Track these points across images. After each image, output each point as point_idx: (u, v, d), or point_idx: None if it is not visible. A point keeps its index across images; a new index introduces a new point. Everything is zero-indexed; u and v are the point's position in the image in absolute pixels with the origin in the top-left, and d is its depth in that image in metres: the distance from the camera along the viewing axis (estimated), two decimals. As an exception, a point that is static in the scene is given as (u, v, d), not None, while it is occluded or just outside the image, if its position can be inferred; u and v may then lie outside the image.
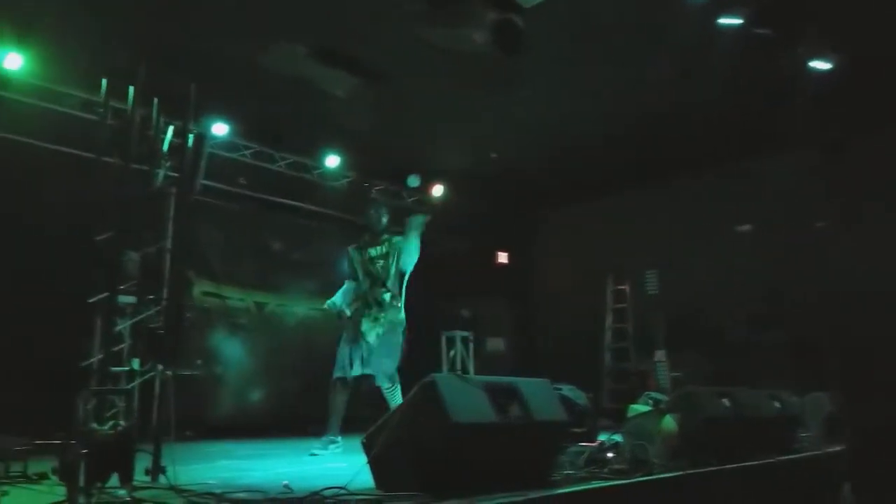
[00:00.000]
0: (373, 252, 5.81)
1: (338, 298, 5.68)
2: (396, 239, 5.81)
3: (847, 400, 5.73)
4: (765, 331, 8.49)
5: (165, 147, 4.45)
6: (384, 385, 5.47)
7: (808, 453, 4.62)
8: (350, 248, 5.94)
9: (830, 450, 4.72)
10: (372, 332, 5.56)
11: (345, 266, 5.94)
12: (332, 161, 9.30)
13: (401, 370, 5.56)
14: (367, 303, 5.68)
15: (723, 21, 6.17)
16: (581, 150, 9.06)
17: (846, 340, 7.72)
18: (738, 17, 6.13)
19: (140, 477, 3.02)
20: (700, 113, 8.03)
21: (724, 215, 9.27)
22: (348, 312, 5.63)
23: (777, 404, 4.76)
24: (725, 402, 4.30)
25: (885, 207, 7.85)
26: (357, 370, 5.47)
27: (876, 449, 4.61)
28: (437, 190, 10.48)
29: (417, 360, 9.38)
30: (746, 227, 9.28)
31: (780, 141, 8.38)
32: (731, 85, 7.36)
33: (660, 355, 9.33)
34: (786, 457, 4.37)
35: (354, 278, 5.79)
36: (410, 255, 5.68)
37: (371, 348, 5.51)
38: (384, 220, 5.93)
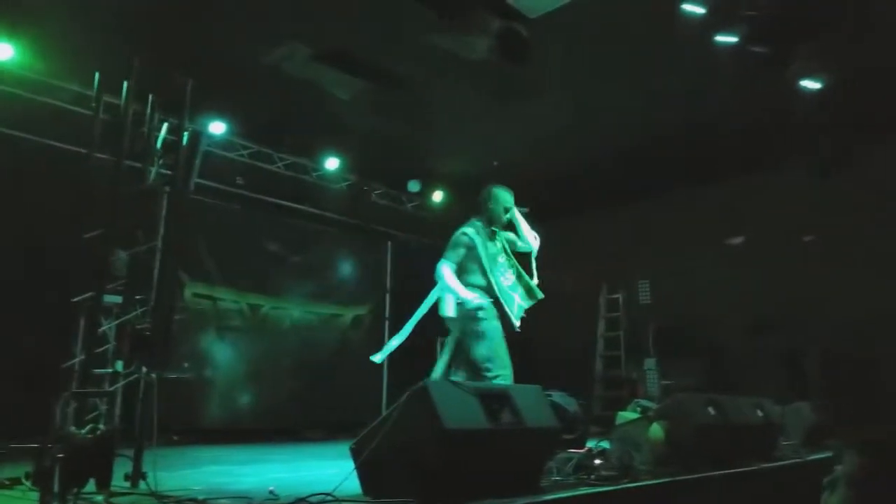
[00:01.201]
0: (493, 248, 4.93)
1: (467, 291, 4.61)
2: (503, 233, 5.05)
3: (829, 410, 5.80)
4: (753, 341, 8.53)
5: (159, 144, 4.38)
6: None
7: (790, 461, 4.66)
8: (471, 234, 4.85)
9: (811, 458, 4.75)
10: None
11: (459, 251, 4.78)
12: (332, 163, 9.23)
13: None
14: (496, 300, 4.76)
15: (719, 38, 6.14)
16: (577, 161, 9.06)
17: (829, 353, 7.82)
18: (733, 35, 6.10)
19: (120, 483, 2.94)
20: (697, 128, 8.05)
21: (717, 228, 9.37)
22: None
23: (760, 413, 4.83)
24: (711, 410, 4.34)
25: (876, 223, 7.95)
26: None
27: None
28: (438, 196, 10.43)
29: (411, 366, 9.38)
30: (738, 240, 9.34)
31: (774, 157, 8.48)
32: (728, 101, 7.38)
33: (650, 363, 9.46)
34: (768, 464, 4.42)
35: (480, 269, 4.77)
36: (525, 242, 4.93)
37: None
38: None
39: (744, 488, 3.95)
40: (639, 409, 4.59)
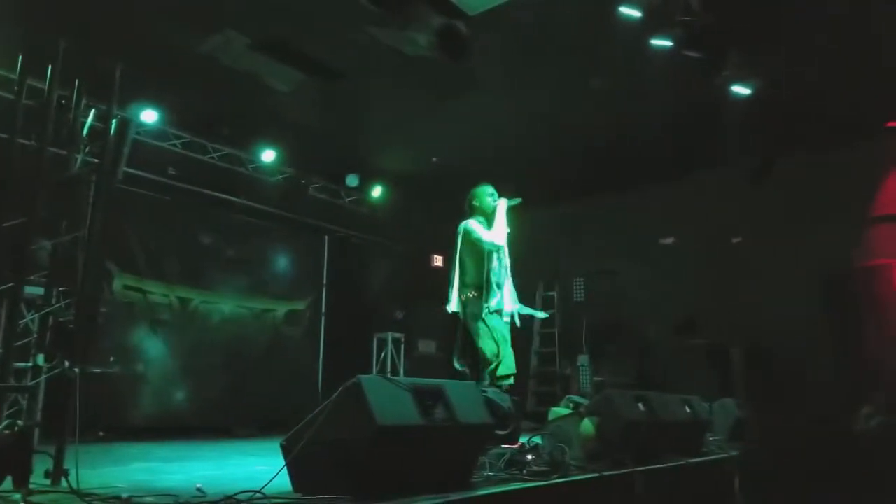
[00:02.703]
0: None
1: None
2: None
3: (751, 405, 6.04)
4: (682, 340, 8.80)
5: (86, 131, 4.22)
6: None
7: (715, 456, 4.80)
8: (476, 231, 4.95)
9: (735, 452, 4.90)
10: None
11: (463, 250, 4.98)
12: (268, 156, 9.08)
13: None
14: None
15: (654, 42, 6.29)
16: (513, 161, 9.16)
17: (753, 350, 8.15)
18: (668, 39, 6.25)
19: (40, 480, 2.84)
20: (631, 130, 8.24)
21: (649, 228, 9.68)
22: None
23: (688, 409, 4.94)
24: (641, 406, 4.42)
25: (800, 226, 8.31)
26: None
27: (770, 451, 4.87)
28: (377, 191, 10.39)
29: (347, 361, 9.35)
30: (669, 240, 9.63)
31: (705, 161, 8.79)
32: (659, 104, 7.56)
33: (583, 360, 9.68)
34: (694, 459, 4.52)
35: (489, 265, 4.89)
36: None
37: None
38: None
39: (670, 483, 4.05)
40: (571, 404, 4.66)
